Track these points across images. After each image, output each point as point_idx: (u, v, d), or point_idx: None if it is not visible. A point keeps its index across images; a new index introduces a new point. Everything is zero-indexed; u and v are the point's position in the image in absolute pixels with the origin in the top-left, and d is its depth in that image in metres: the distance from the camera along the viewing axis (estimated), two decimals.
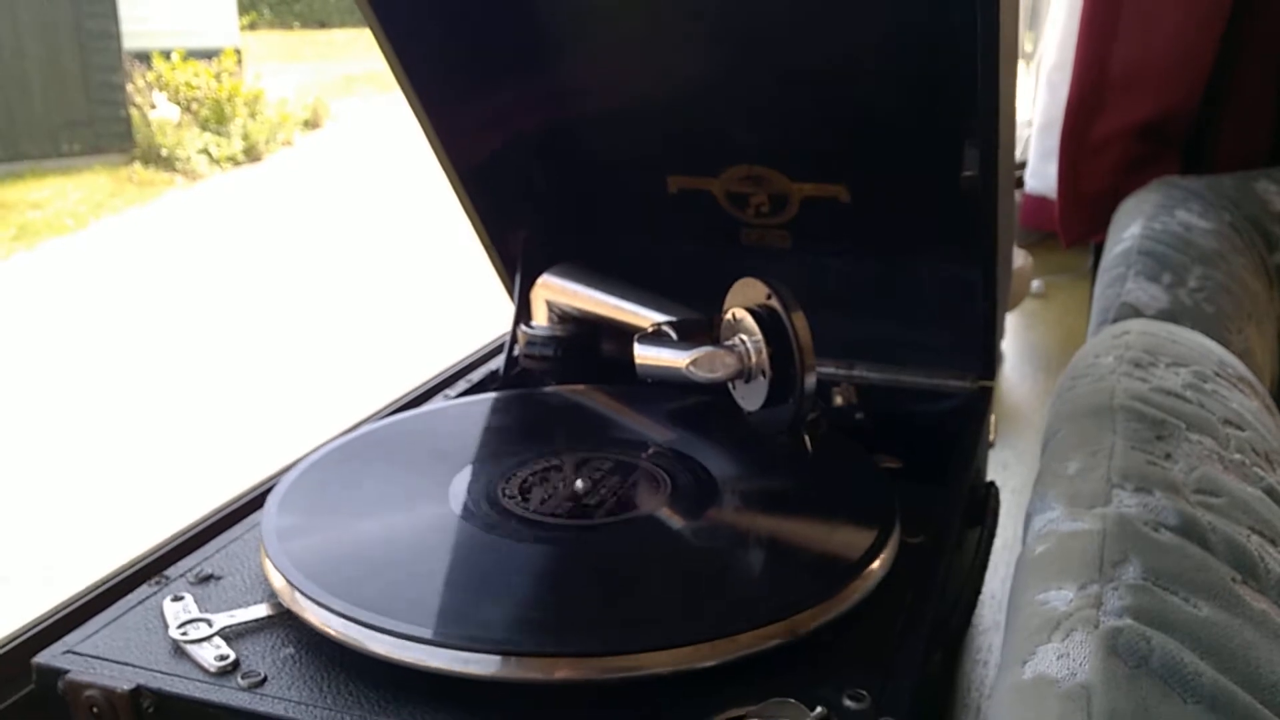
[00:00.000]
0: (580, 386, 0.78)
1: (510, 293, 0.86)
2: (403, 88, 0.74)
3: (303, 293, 4.83)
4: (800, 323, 0.62)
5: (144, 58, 8.00)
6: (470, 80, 0.79)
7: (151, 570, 0.59)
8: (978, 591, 0.61)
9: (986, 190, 0.66)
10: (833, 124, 0.76)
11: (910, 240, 0.79)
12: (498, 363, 0.84)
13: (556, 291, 0.81)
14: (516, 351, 0.83)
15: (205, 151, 7.43)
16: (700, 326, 0.69)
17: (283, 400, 3.57)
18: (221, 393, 3.67)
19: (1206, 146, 1.25)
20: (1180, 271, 0.92)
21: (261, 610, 0.52)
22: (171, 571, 0.56)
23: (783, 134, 0.77)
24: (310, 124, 8.77)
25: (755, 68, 0.75)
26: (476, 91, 0.80)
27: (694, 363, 0.63)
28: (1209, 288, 0.90)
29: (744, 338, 0.63)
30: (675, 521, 0.58)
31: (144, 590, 0.54)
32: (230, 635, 0.50)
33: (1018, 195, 1.52)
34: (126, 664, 0.49)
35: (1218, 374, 0.66)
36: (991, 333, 0.74)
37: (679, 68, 0.78)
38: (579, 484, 0.61)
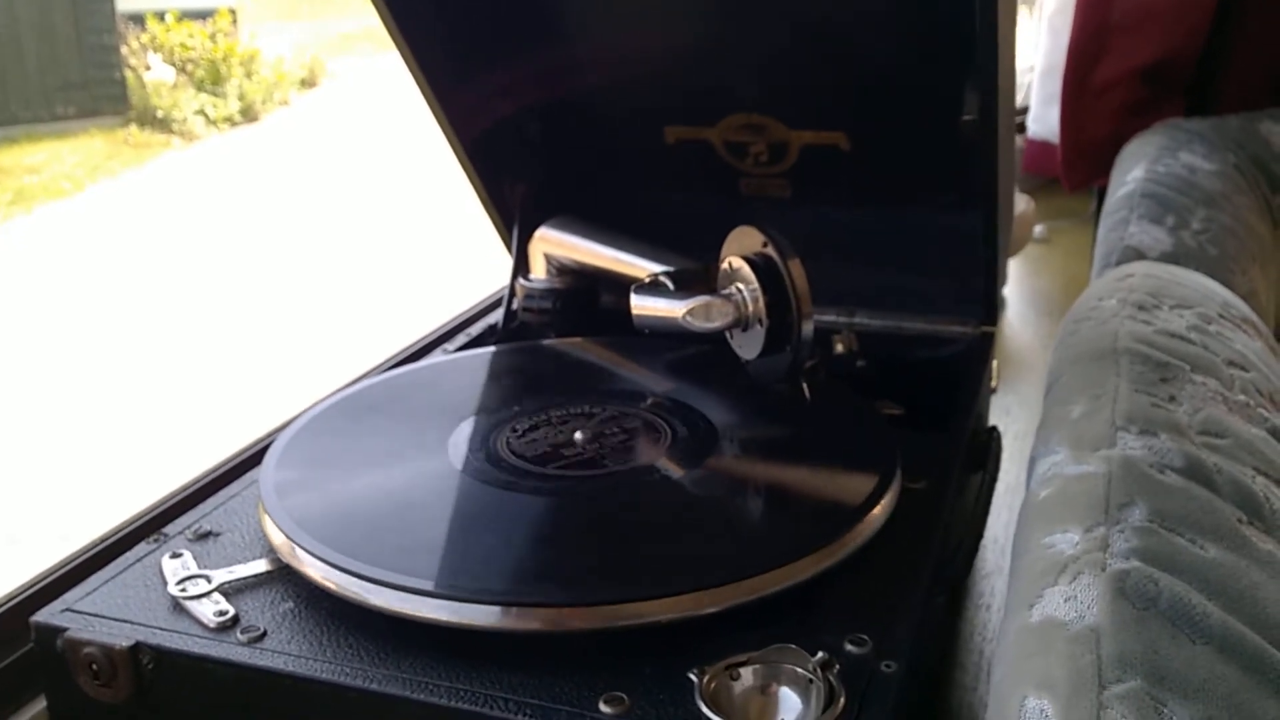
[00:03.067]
0: (579, 339, 0.77)
1: (508, 246, 0.85)
2: (396, 42, 0.73)
3: (299, 254, 4.81)
4: (797, 270, 0.61)
5: (138, 19, 7.94)
6: (466, 34, 0.78)
7: (150, 527, 0.59)
8: (979, 536, 0.60)
9: (986, 135, 0.65)
10: (832, 71, 0.75)
11: (911, 187, 0.78)
12: (496, 316, 0.83)
13: (554, 244, 0.80)
14: (515, 305, 0.82)
15: (201, 113, 7.39)
16: (697, 276, 0.68)
17: (275, 364, 3.56)
18: (214, 358, 3.66)
19: (1210, 88, 1.24)
20: (1184, 214, 0.91)
21: (260, 566, 0.52)
22: (170, 528, 0.55)
23: (781, 82, 0.76)
24: (307, 83, 8.72)
25: (753, 14, 0.74)
26: (473, 45, 0.79)
27: (690, 312, 0.63)
28: (1213, 230, 0.89)
29: (740, 286, 0.63)
30: (675, 471, 0.58)
31: (142, 548, 0.54)
32: (229, 591, 0.50)
33: (1020, 141, 1.50)
34: (125, 621, 0.48)
35: (1222, 316, 0.66)
36: (993, 278, 0.73)
37: (675, 16, 0.77)
38: (578, 435, 0.61)
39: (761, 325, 0.62)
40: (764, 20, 0.74)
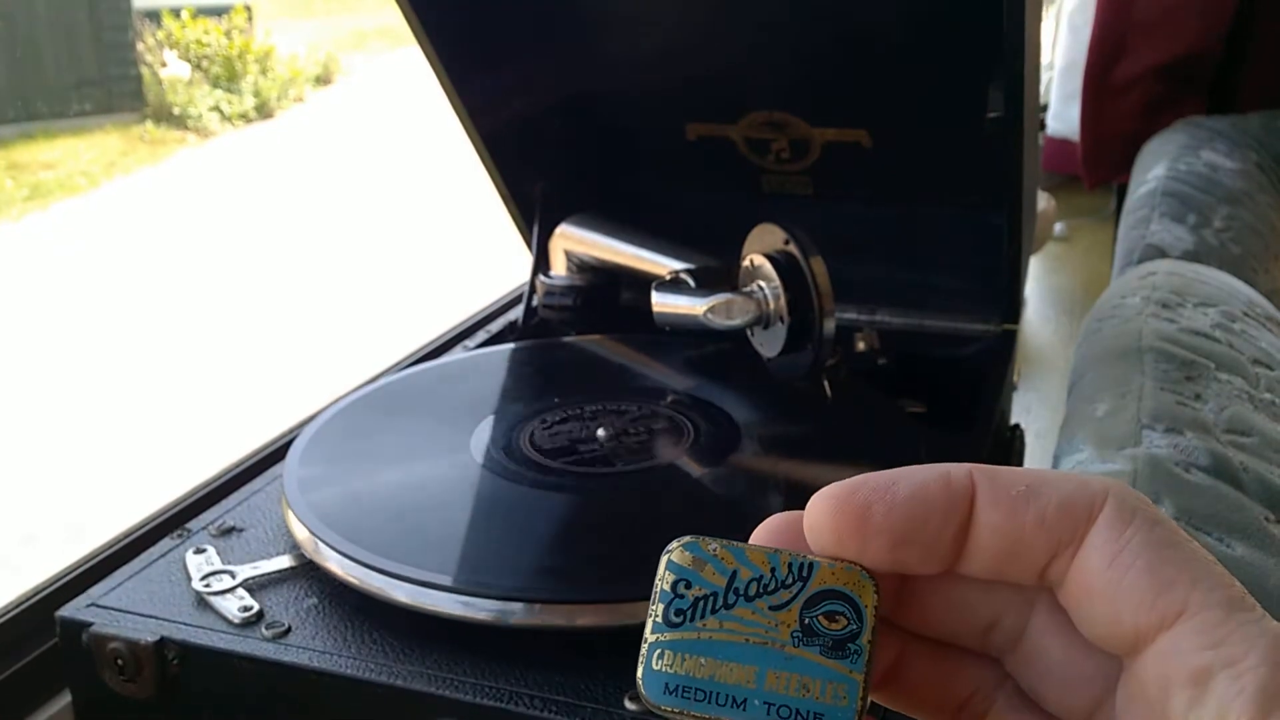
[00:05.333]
0: (599, 336, 0.77)
1: (528, 243, 0.85)
2: (417, 37, 0.73)
3: (316, 254, 4.81)
4: (819, 268, 0.61)
5: (154, 16, 7.95)
6: (488, 30, 0.78)
7: (173, 523, 0.59)
8: None
9: (1011, 132, 0.65)
10: (854, 67, 0.75)
11: (933, 184, 0.78)
12: (517, 313, 0.83)
13: (575, 241, 0.80)
14: (535, 302, 0.82)
15: (216, 109, 7.40)
16: (718, 274, 0.68)
17: (287, 364, 3.56)
18: (227, 358, 3.66)
19: (1231, 86, 1.23)
20: (1206, 212, 0.90)
21: (284, 561, 0.52)
22: (194, 524, 0.56)
23: (804, 78, 0.76)
24: (322, 80, 8.72)
25: (775, 11, 0.74)
26: (494, 42, 0.79)
27: (711, 309, 0.63)
28: (1235, 228, 0.89)
29: (762, 284, 0.63)
30: (698, 468, 0.58)
31: (166, 543, 0.54)
32: (253, 587, 0.50)
33: (1040, 138, 1.50)
34: (150, 616, 0.49)
35: (1246, 314, 0.65)
36: (1016, 276, 0.73)
37: (697, 12, 0.77)
38: (600, 432, 0.61)
39: (783, 323, 0.62)
40: (786, 16, 0.74)
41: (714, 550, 0.24)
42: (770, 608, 0.24)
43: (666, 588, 0.24)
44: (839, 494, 0.23)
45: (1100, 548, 0.22)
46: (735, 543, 0.24)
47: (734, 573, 0.24)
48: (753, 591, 0.24)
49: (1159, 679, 0.21)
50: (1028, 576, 0.23)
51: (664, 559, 0.24)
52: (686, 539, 0.24)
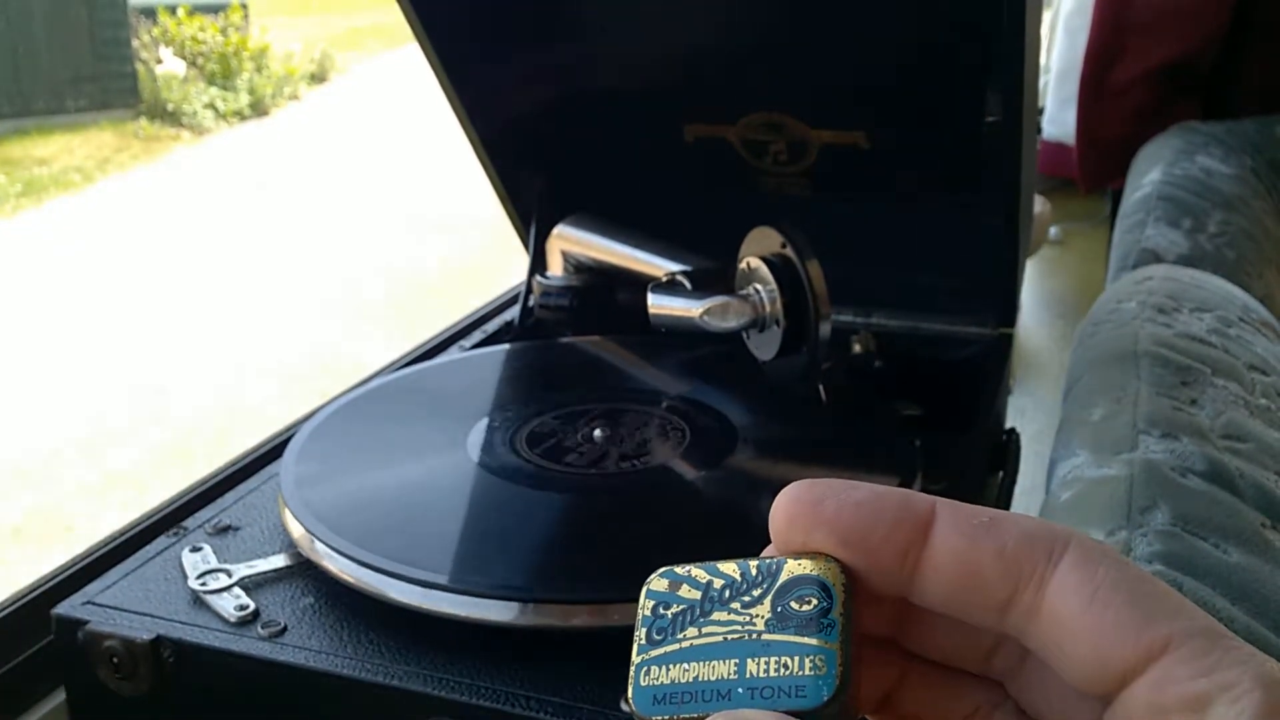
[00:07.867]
0: (596, 337, 0.77)
1: (525, 243, 0.85)
2: (418, 37, 0.73)
3: (308, 253, 4.80)
4: (815, 271, 0.61)
5: (150, 13, 7.95)
6: (487, 31, 0.78)
7: (169, 521, 0.59)
8: None
9: (1009, 135, 0.65)
10: (852, 69, 0.75)
11: (931, 187, 0.78)
12: (513, 314, 0.83)
13: (572, 242, 0.80)
14: (532, 302, 0.82)
15: (211, 106, 7.38)
16: (715, 276, 0.68)
17: (275, 363, 3.56)
18: (214, 357, 3.65)
19: (1228, 91, 1.24)
20: (1201, 217, 0.91)
21: (280, 560, 0.52)
22: (190, 522, 0.56)
23: (802, 80, 0.76)
24: (317, 78, 8.71)
25: (773, 12, 0.74)
26: (493, 42, 0.79)
27: (707, 312, 0.63)
28: (1230, 233, 0.89)
29: (758, 287, 0.63)
30: (694, 470, 0.58)
31: (162, 541, 0.54)
32: (249, 585, 0.50)
33: (1036, 142, 1.50)
34: (146, 614, 0.49)
35: (1242, 319, 0.66)
36: (1013, 279, 0.73)
37: (695, 13, 0.77)
38: (597, 433, 0.61)
39: (779, 326, 0.62)
40: (784, 18, 0.74)
41: (688, 571, 0.25)
42: (744, 606, 0.24)
43: (647, 613, 0.25)
44: (800, 485, 0.25)
45: (1076, 588, 0.22)
46: (709, 561, 0.25)
47: (708, 584, 0.25)
48: (726, 596, 0.25)
49: (1150, 708, 0.21)
50: (988, 613, 0.23)
51: (643, 590, 0.25)
52: (662, 568, 0.25)
